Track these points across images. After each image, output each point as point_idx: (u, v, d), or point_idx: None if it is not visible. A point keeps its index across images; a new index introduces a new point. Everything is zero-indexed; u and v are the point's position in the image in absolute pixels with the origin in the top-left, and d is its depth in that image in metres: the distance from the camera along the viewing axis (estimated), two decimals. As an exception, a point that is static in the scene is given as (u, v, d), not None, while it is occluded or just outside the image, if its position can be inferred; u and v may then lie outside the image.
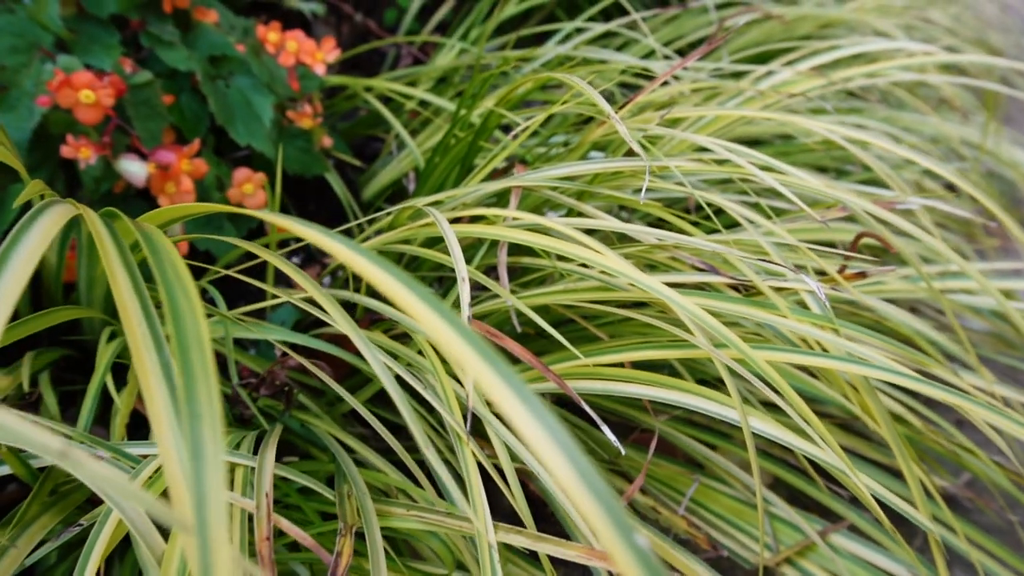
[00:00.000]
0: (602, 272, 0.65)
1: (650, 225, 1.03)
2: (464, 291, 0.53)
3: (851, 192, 0.91)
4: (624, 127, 0.62)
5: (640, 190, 0.80)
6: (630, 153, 1.10)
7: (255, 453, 0.64)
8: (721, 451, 0.88)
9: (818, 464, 0.77)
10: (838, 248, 1.12)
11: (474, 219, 0.79)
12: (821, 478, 0.83)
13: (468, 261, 0.83)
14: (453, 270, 0.94)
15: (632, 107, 1.02)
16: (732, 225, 1.02)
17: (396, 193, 1.24)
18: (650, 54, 1.30)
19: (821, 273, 0.77)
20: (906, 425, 0.85)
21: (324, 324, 1.01)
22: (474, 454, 0.57)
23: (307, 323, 1.00)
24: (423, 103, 1.25)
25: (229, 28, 1.07)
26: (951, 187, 1.48)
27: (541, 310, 0.82)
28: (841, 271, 0.70)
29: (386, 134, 1.34)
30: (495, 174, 1.00)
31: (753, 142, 1.36)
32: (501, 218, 0.73)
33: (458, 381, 0.68)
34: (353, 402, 0.63)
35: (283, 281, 1.08)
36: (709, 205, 0.68)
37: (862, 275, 0.67)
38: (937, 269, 1.05)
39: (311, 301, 0.92)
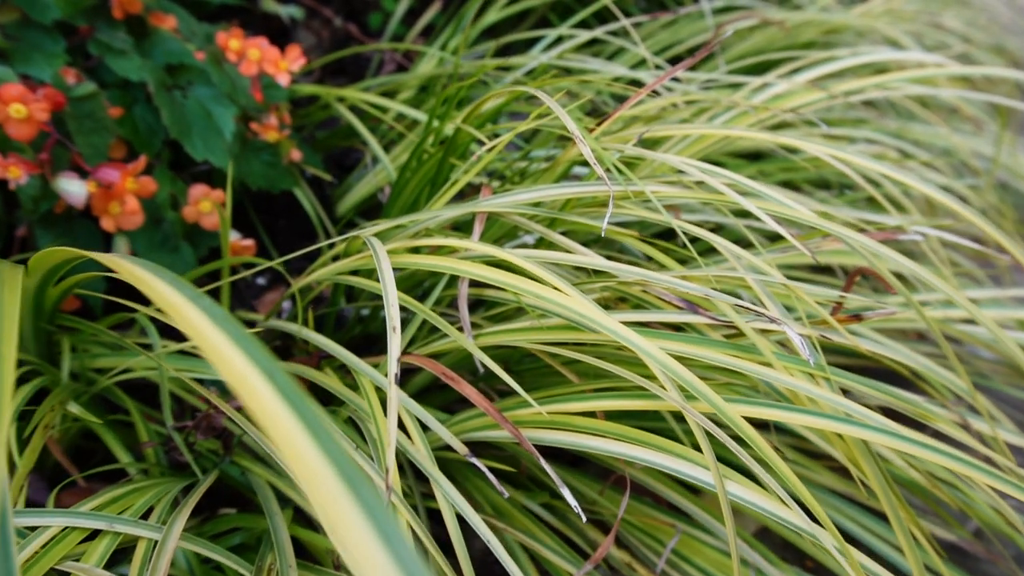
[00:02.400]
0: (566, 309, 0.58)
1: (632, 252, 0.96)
2: (394, 343, 0.46)
3: (851, 217, 0.84)
4: (588, 148, 0.56)
5: (625, 213, 0.73)
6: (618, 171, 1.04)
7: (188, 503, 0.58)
8: (706, 496, 0.81)
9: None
10: (835, 271, 1.05)
11: (438, 248, 0.73)
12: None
13: (425, 295, 0.76)
14: (425, 293, 0.88)
15: (618, 120, 0.96)
16: (709, 251, 0.95)
17: (371, 208, 1.18)
18: (641, 63, 1.24)
19: (811, 303, 0.70)
20: (902, 469, 0.78)
21: (286, 351, 0.95)
22: (409, 524, 0.51)
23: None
24: (400, 114, 1.18)
25: (190, 35, 1.01)
26: (964, 201, 1.40)
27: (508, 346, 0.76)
28: (835, 311, 0.63)
29: (365, 145, 1.27)
30: (471, 191, 0.94)
31: (755, 155, 1.29)
32: (463, 248, 0.66)
33: (405, 433, 0.61)
34: (282, 459, 0.56)
35: (242, 303, 1.02)
36: (685, 233, 0.61)
37: (857, 318, 0.60)
38: (942, 297, 0.97)
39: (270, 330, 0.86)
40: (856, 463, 0.60)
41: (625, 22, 0.97)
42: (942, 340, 0.64)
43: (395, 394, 0.43)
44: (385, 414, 0.63)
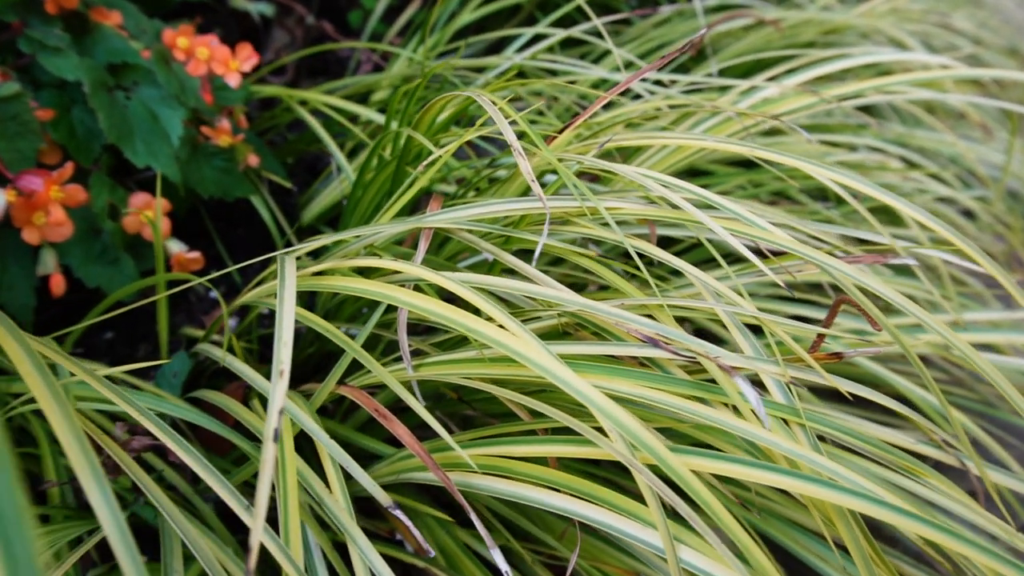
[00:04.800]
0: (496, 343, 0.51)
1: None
2: (278, 392, 0.39)
3: (837, 235, 0.77)
4: (526, 163, 0.49)
5: (583, 232, 0.66)
6: (596, 178, 0.96)
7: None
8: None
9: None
10: (824, 289, 0.97)
11: (372, 269, 0.66)
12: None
13: (365, 320, 0.69)
14: (388, 310, 0.81)
15: (592, 126, 0.88)
16: (671, 275, 0.88)
17: (337, 216, 1.11)
18: (630, 65, 1.16)
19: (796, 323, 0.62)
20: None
21: (232, 374, 0.88)
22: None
23: (211, 372, 0.88)
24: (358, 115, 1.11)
25: (138, 32, 0.95)
26: (969, 213, 1.32)
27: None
28: (814, 348, 0.55)
29: (339, 148, 1.21)
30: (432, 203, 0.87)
31: (747, 163, 1.21)
32: (399, 270, 0.59)
33: (324, 481, 0.54)
34: (199, 504, 0.50)
35: (192, 320, 0.95)
36: (642, 256, 0.54)
37: (837, 356, 0.53)
38: (948, 318, 0.90)
39: (216, 343, 0.80)
40: (825, 514, 0.53)
41: (597, 22, 0.90)
42: (921, 367, 0.57)
43: (272, 455, 0.36)
44: (310, 458, 0.57)
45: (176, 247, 0.89)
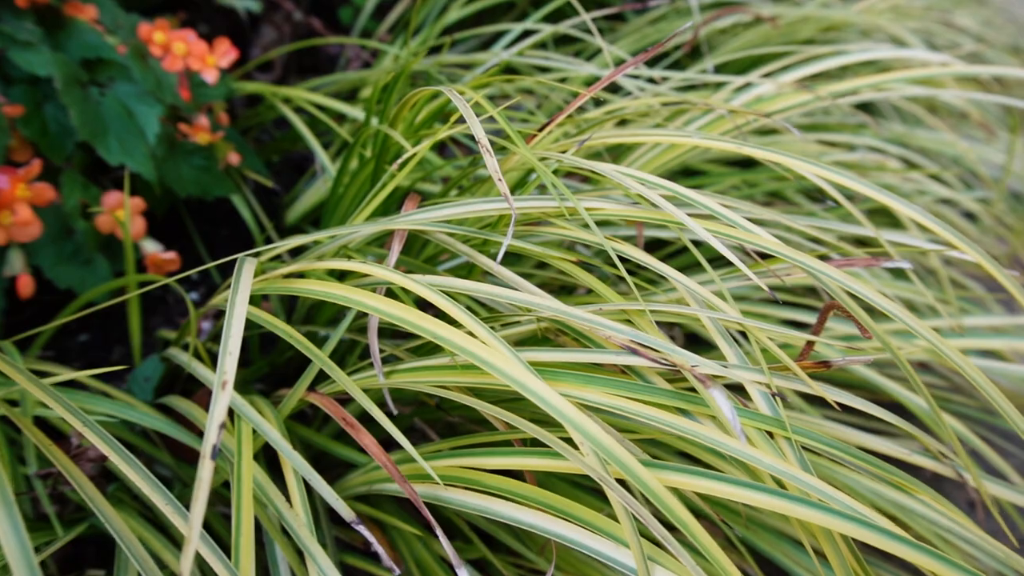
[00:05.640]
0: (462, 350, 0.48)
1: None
2: (220, 405, 0.36)
3: (834, 237, 0.74)
4: (494, 161, 0.46)
5: (562, 233, 0.63)
6: (586, 179, 0.94)
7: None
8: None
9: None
10: (818, 292, 0.94)
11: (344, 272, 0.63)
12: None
13: (336, 322, 0.67)
14: (359, 315, 0.78)
15: (580, 123, 0.86)
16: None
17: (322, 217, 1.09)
18: (621, 62, 1.14)
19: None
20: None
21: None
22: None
23: (186, 375, 0.85)
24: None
25: (114, 27, 0.92)
26: (970, 215, 1.29)
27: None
28: (803, 355, 0.53)
29: (325, 148, 1.18)
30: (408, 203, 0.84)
31: (742, 163, 1.19)
32: (367, 273, 0.57)
33: (285, 492, 0.52)
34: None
35: (169, 322, 0.93)
36: (624, 260, 0.51)
37: (825, 364, 0.50)
38: (942, 324, 0.87)
39: (186, 347, 0.77)
40: (811, 532, 0.50)
41: (586, 17, 0.87)
42: (911, 372, 0.54)
43: (208, 473, 0.33)
44: (271, 465, 0.54)
45: (152, 247, 0.86)
